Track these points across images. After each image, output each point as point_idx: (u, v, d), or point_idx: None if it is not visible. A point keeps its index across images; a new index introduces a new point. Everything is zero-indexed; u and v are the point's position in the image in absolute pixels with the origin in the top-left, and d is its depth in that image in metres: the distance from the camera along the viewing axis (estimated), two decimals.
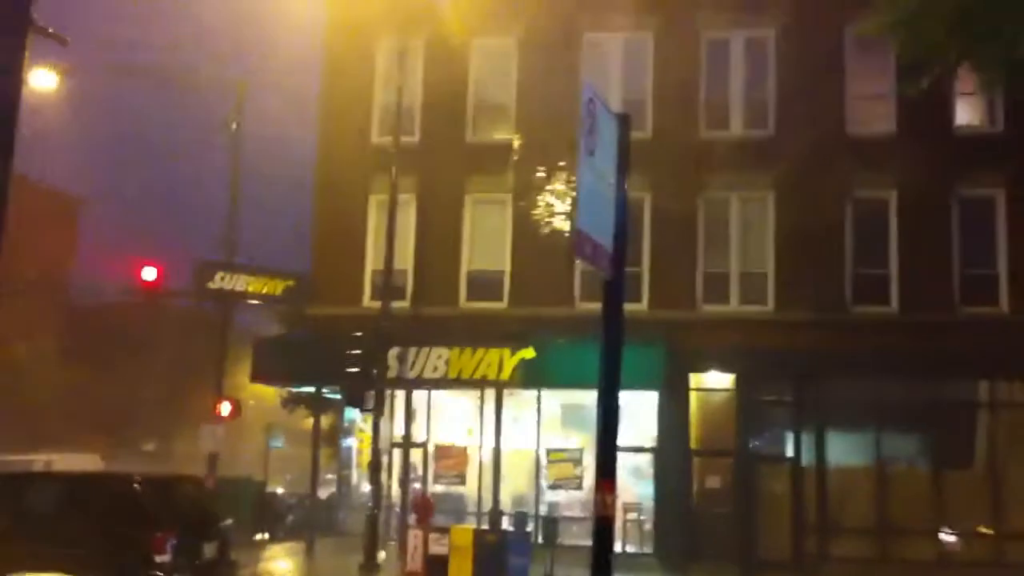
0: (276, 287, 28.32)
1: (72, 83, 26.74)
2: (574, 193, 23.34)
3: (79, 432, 35.77)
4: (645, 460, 24.37)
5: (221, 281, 27.99)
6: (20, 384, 37.37)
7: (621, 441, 21.86)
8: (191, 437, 31.52)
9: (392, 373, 23.65)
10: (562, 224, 23.93)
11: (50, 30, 14.85)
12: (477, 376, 24.81)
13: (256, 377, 28.27)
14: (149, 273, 27.99)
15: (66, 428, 36.22)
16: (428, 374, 24.92)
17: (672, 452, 23.95)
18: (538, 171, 24.42)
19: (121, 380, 40.82)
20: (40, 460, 32.19)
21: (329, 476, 28.66)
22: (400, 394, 25.36)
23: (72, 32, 12.23)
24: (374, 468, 22.55)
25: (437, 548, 19.60)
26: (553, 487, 24.86)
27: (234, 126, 28.06)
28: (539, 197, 24.50)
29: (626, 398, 22.97)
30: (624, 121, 7.65)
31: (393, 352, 23.73)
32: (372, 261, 26.14)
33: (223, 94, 28.36)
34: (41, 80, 24.64)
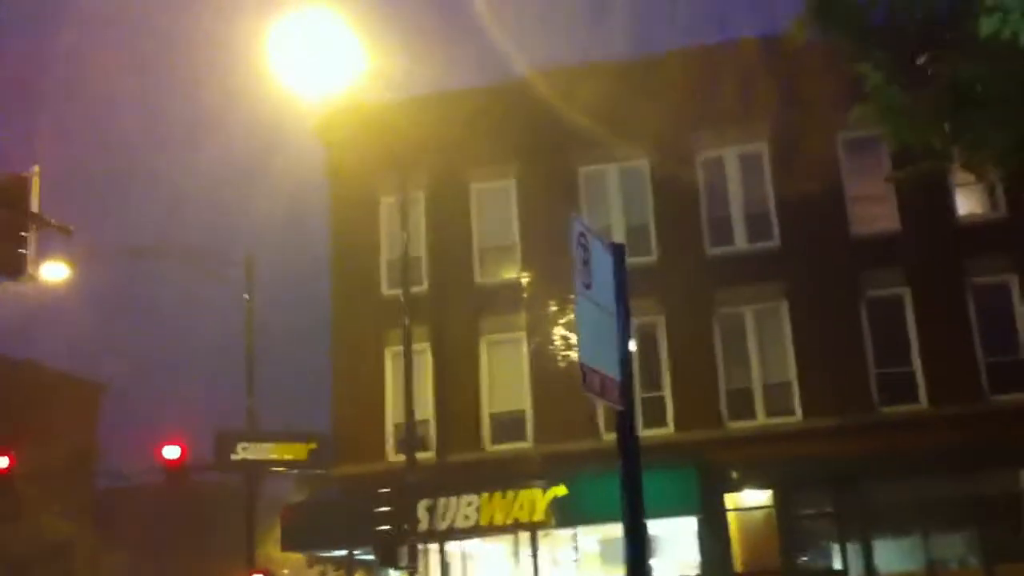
0: (300, 451, 28.08)
1: (85, 270, 27.16)
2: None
3: None
4: None
5: (243, 451, 27.83)
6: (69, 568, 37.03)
7: (664, 571, 21.28)
8: None
9: (423, 526, 23.23)
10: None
11: (52, 221, 15.13)
12: (510, 520, 24.34)
13: (287, 546, 27.78)
14: (172, 452, 27.86)
15: None
16: (460, 523, 24.46)
17: None
18: (549, 305, 24.46)
19: (161, 560, 40.38)
20: None
21: None
22: (434, 547, 24.85)
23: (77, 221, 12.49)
24: None
25: None
26: None
27: (246, 296, 28.34)
28: (553, 331, 24.49)
29: (663, 526, 22.39)
30: (619, 250, 7.66)
31: (422, 504, 23.36)
32: (393, 415, 25.97)
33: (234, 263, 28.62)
34: (53, 272, 24.97)
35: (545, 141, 26.11)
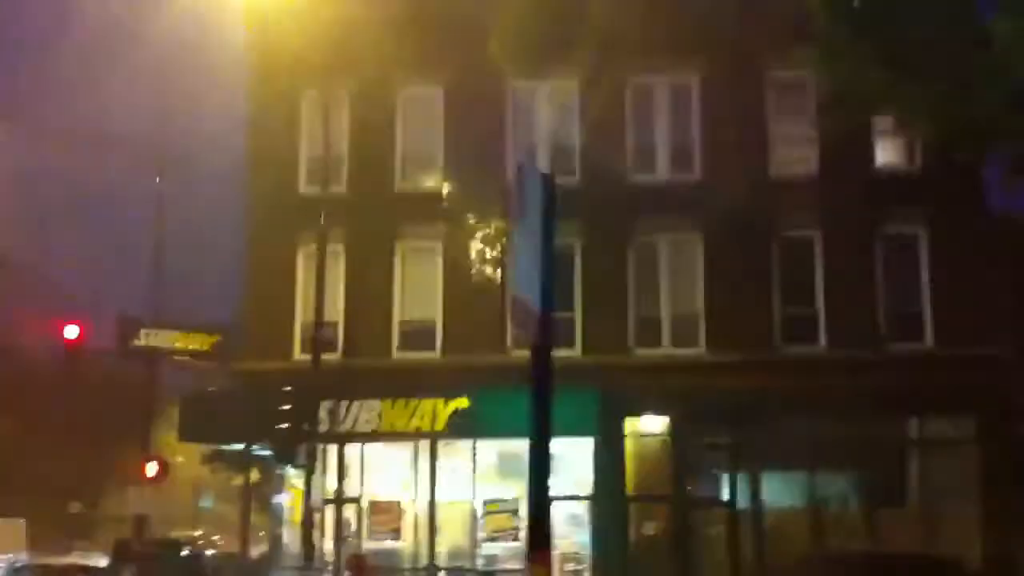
0: (203, 342, 27.87)
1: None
2: (504, 240, 23.34)
3: (4, 495, 34.69)
4: (581, 508, 24.12)
5: (146, 338, 27.47)
6: None
7: (557, 490, 21.64)
8: (119, 498, 30.76)
9: (324, 427, 23.22)
10: (493, 271, 23.84)
11: None
12: (411, 428, 24.54)
13: (184, 436, 27.66)
14: (71, 331, 27.42)
15: None
16: (361, 427, 24.57)
17: (608, 499, 23.78)
18: (468, 218, 24.34)
19: (45, 442, 39.81)
20: None
21: (262, 534, 28.02)
22: (333, 448, 24.90)
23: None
24: (306, 526, 22.04)
25: None
26: (490, 539, 24.50)
27: (157, 180, 27.74)
28: (469, 244, 24.41)
29: (561, 446, 22.78)
30: (547, 181, 7.59)
31: (324, 406, 23.32)
32: (302, 313, 25.75)
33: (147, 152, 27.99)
34: None
35: (477, 52, 25.62)
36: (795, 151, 24.86)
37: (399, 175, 26.33)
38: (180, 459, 31.60)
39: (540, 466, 7.19)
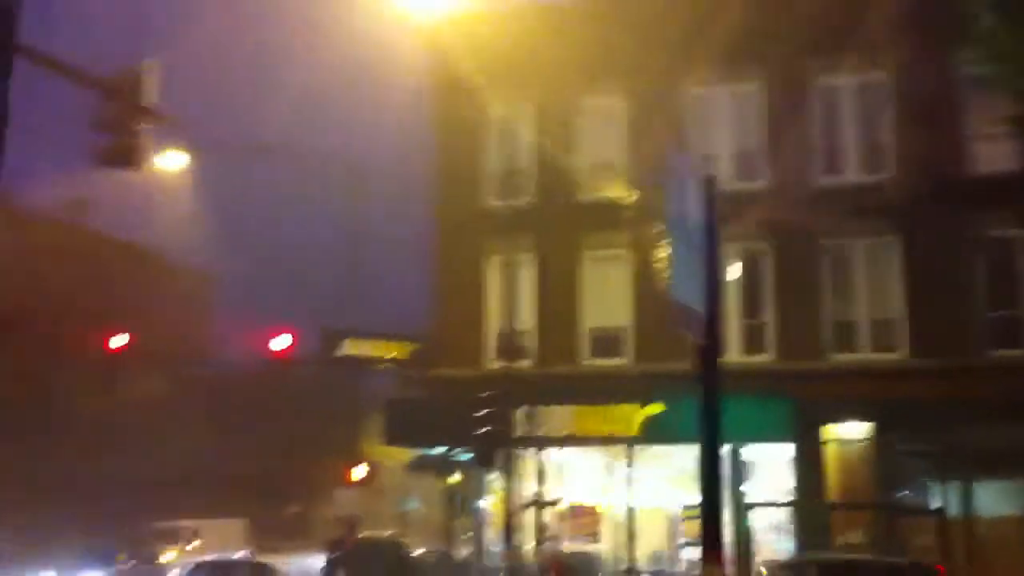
0: (402, 351, 28.72)
1: (200, 163, 27.74)
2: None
3: (225, 498, 36.85)
4: (783, 515, 23.75)
5: (348, 347, 28.55)
6: (168, 451, 38.84)
7: (757, 496, 21.44)
8: (331, 500, 32.23)
9: (520, 432, 23.68)
10: None
11: (164, 114, 15.47)
12: (605, 433, 24.66)
13: (391, 440, 28.64)
14: (281, 342, 28.72)
15: (212, 494, 37.37)
16: (556, 431, 24.86)
17: (810, 505, 23.29)
18: (652, 226, 24.17)
19: (259, 448, 42.02)
20: (187, 526, 33.15)
21: (466, 536, 28.80)
22: (530, 453, 25.38)
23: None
24: (506, 528, 22.54)
25: None
26: (689, 544, 24.42)
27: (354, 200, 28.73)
28: (655, 252, 24.25)
29: (760, 451, 22.45)
30: (709, 185, 7.51)
31: (520, 411, 23.79)
32: (493, 322, 26.31)
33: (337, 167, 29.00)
34: (170, 161, 25.58)
35: (657, 59, 25.44)
36: (992, 147, 23.51)
37: (583, 184, 26.41)
38: (386, 462, 32.79)
39: (711, 467, 7.23)
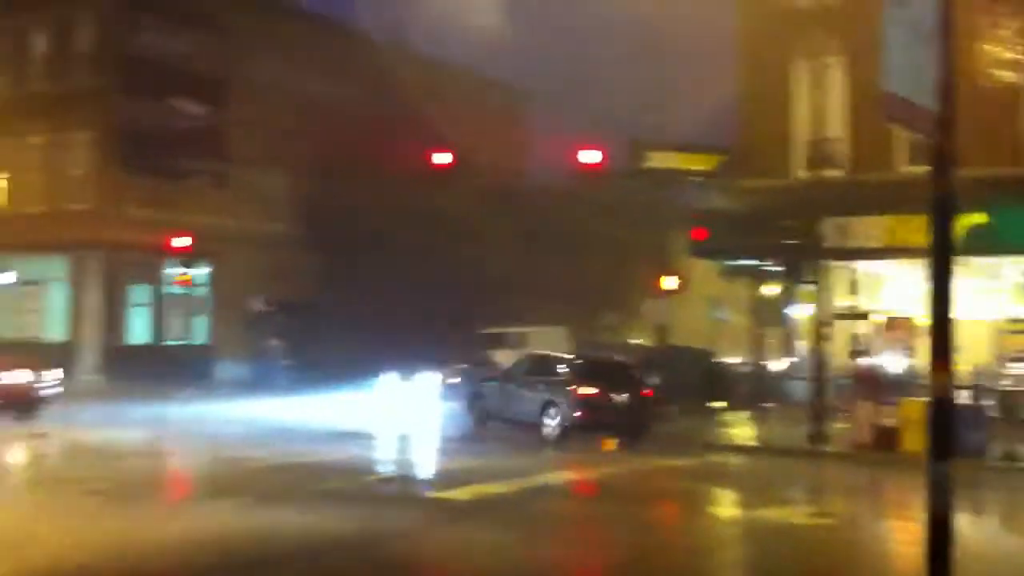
0: (709, 162, 28.21)
1: None
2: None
3: (545, 307, 38.43)
4: None
5: (654, 160, 28.37)
6: (490, 264, 40.90)
7: None
8: (644, 310, 32.76)
9: (830, 243, 22.98)
10: (1011, 74, 21.53)
11: None
12: (922, 244, 23.34)
13: (697, 252, 28.58)
14: (591, 156, 28.95)
15: (533, 303, 39.08)
16: (868, 243, 23.88)
17: None
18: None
19: (573, 259, 43.25)
20: (514, 332, 35.05)
21: (778, 347, 28.55)
22: (841, 265, 24.62)
23: None
24: (817, 340, 22.16)
25: (886, 421, 19.25)
26: (1013, 360, 23.07)
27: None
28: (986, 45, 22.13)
29: None
30: None
31: (830, 222, 23.01)
32: (801, 130, 25.29)
33: None
34: None
35: None
36: None
37: None
38: (696, 273, 32.77)
39: (941, 280, 6.77)
